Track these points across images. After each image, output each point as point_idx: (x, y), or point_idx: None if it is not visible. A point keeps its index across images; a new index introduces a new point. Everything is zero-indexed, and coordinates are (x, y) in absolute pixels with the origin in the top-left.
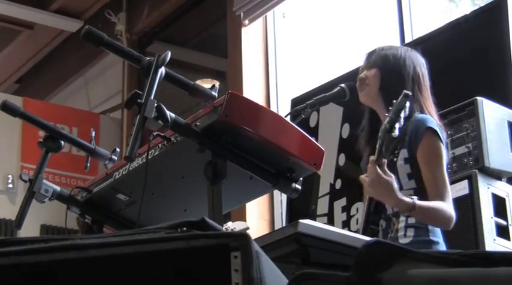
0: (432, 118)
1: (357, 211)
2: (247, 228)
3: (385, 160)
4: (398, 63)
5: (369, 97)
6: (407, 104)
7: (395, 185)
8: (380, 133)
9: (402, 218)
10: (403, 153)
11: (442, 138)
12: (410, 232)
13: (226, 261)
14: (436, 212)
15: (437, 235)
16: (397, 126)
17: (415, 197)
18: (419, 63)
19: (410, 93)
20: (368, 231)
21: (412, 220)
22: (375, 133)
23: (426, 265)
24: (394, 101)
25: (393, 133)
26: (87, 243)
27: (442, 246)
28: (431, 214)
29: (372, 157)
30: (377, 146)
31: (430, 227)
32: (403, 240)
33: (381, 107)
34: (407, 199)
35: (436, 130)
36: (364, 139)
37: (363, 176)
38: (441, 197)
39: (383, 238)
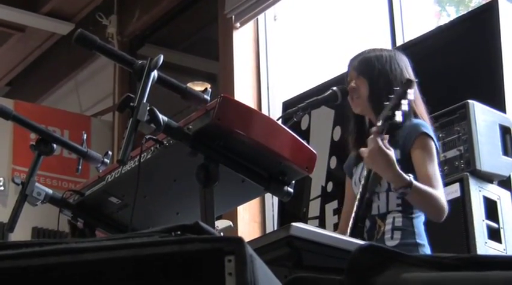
0: (427, 124)
1: None
2: (230, 226)
3: (387, 136)
4: (384, 69)
5: (362, 107)
6: (410, 91)
7: (395, 158)
8: (382, 119)
9: (389, 220)
10: (396, 154)
11: (436, 143)
12: (397, 235)
13: (220, 265)
14: (432, 198)
15: (423, 238)
16: (399, 112)
17: (411, 176)
18: (405, 64)
19: (413, 79)
20: (357, 227)
21: (398, 223)
22: (363, 136)
23: (419, 269)
24: (396, 89)
25: (396, 118)
26: (81, 247)
27: (428, 249)
28: (427, 198)
29: (375, 128)
30: (378, 124)
31: (416, 229)
32: (390, 243)
33: (373, 114)
34: (405, 175)
35: (430, 136)
36: (352, 142)
37: (363, 149)
38: (436, 189)
39: (368, 240)
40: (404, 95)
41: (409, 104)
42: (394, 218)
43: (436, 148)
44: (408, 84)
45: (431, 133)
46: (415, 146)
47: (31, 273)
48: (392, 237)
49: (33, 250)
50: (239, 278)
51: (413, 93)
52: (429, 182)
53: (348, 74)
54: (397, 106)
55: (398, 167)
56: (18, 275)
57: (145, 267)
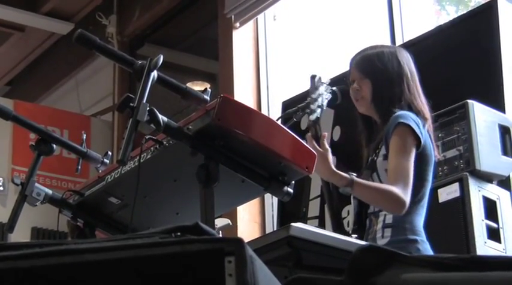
0: (410, 114)
1: (348, 214)
2: (229, 224)
3: (325, 134)
4: (385, 67)
5: (365, 107)
6: (317, 85)
7: (330, 158)
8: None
9: (380, 218)
10: (383, 150)
11: (417, 132)
12: (388, 232)
13: (220, 266)
14: (380, 193)
15: (416, 233)
16: (312, 108)
17: (354, 174)
18: (405, 60)
19: (314, 74)
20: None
21: (389, 220)
22: (372, 137)
23: (419, 269)
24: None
25: (311, 116)
26: (82, 248)
27: (423, 244)
28: (374, 194)
29: (309, 133)
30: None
31: (408, 225)
32: (380, 241)
33: (377, 115)
34: (343, 174)
35: (408, 125)
36: (363, 142)
37: None
38: (395, 182)
39: (366, 238)
40: (313, 92)
41: (330, 99)
42: (385, 215)
43: (418, 139)
44: (312, 78)
45: (412, 122)
46: (391, 141)
47: (31, 274)
48: (383, 236)
49: (33, 251)
50: (239, 279)
51: (323, 89)
52: (390, 175)
53: (350, 73)
54: (311, 103)
55: (332, 167)
56: (19, 276)
57: (145, 268)
